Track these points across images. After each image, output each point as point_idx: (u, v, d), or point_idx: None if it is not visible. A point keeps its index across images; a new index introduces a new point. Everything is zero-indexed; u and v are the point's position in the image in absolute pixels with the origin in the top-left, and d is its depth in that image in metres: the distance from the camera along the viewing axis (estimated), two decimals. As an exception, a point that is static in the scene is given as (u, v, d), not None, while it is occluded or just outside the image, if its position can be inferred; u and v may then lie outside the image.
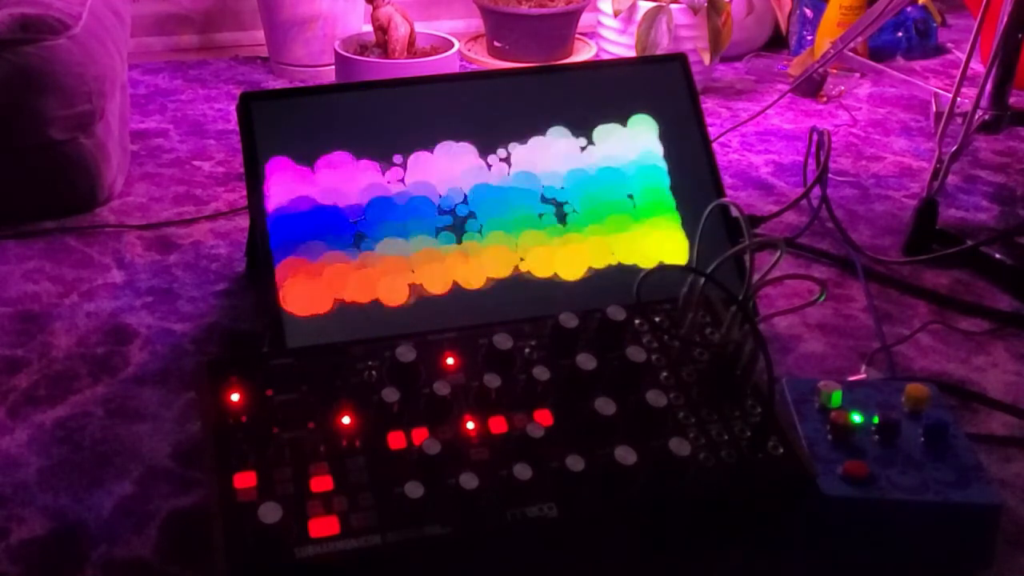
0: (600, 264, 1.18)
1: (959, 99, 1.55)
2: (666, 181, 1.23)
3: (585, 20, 2.30)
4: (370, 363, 0.90)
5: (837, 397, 0.98)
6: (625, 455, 0.83)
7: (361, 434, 0.85)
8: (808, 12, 2.33)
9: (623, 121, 1.25)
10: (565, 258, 1.18)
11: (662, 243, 1.21)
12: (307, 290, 1.10)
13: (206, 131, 1.91)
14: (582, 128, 1.24)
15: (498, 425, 0.87)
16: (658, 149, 1.25)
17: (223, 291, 1.37)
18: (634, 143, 1.24)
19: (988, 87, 1.54)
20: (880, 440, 0.94)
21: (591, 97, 1.26)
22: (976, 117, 1.52)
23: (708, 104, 2.05)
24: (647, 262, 1.19)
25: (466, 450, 0.85)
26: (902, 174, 1.76)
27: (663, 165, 1.24)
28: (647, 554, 0.90)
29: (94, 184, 1.58)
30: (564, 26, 2.24)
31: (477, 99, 1.24)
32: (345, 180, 1.17)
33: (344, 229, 1.15)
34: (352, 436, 0.85)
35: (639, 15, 2.05)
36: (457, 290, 1.14)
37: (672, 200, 1.23)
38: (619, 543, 0.88)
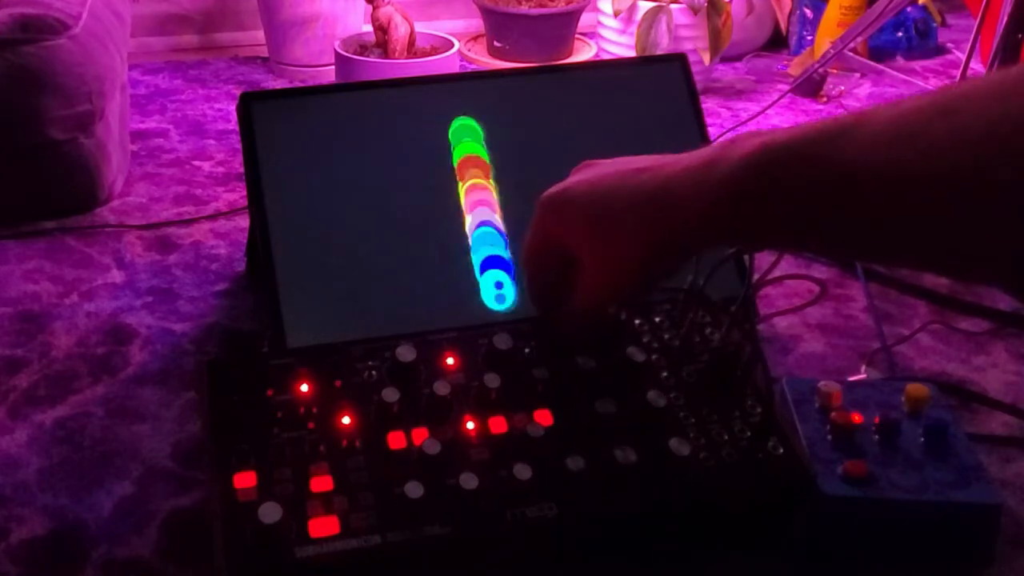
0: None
1: (959, 99, 1.54)
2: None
3: (585, 20, 2.30)
4: (370, 363, 0.90)
5: (837, 397, 0.98)
6: (625, 455, 0.83)
7: (361, 434, 0.85)
8: (808, 12, 2.33)
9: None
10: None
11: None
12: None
13: (206, 131, 1.91)
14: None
15: (498, 425, 0.87)
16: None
17: (223, 291, 1.37)
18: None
19: (988, 87, 1.54)
20: (880, 440, 0.94)
21: (591, 97, 1.26)
22: (976, 117, 1.52)
23: (708, 104, 2.05)
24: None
25: (466, 450, 0.85)
26: (902, 174, 1.76)
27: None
28: (647, 554, 0.90)
29: (94, 184, 1.58)
30: (564, 26, 2.24)
31: (477, 99, 1.24)
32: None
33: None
34: (352, 436, 0.85)
35: (639, 15, 2.05)
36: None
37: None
38: (619, 543, 0.88)
